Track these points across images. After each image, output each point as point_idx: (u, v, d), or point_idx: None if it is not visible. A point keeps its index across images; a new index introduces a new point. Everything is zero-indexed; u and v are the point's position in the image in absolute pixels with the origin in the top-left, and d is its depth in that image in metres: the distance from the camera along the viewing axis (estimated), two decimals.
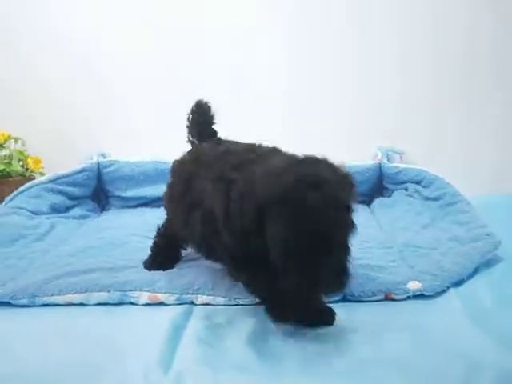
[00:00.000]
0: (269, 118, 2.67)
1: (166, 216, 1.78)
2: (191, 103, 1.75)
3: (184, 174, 1.61)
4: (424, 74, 2.70)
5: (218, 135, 1.73)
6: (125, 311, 1.52)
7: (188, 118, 1.74)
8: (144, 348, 1.27)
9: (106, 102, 2.79)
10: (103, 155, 2.55)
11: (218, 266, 1.58)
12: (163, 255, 1.73)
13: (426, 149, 2.67)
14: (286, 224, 1.10)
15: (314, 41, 2.69)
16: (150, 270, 1.68)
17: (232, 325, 1.39)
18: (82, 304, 1.56)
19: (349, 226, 1.16)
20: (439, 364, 1.14)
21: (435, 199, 2.17)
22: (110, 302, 1.55)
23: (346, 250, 1.16)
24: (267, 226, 1.15)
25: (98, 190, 2.53)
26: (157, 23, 2.72)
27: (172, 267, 1.70)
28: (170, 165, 2.37)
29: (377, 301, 1.48)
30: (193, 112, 1.73)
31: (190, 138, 1.74)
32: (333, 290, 1.18)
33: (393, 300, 1.48)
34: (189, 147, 1.76)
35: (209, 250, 1.51)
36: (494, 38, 2.64)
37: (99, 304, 1.55)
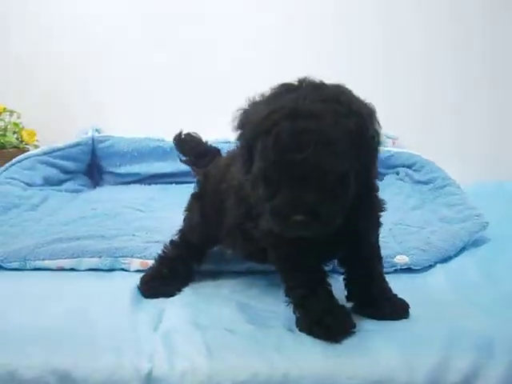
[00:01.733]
0: None
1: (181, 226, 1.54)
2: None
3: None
4: (416, 60, 2.72)
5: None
6: (115, 277, 1.54)
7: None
8: (133, 309, 1.31)
9: (104, 76, 2.79)
10: (98, 130, 2.55)
11: None
12: (170, 273, 1.46)
13: (418, 134, 2.68)
14: (260, 154, 1.05)
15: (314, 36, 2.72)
16: (148, 296, 1.41)
17: (220, 290, 1.42)
18: (72, 269, 1.57)
19: (327, 166, 1.02)
20: (424, 330, 1.17)
21: (426, 183, 2.19)
22: (101, 267, 1.57)
23: (325, 190, 1.04)
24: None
25: (91, 165, 2.54)
26: None
27: (180, 290, 1.43)
28: (164, 142, 2.42)
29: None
30: (180, 147, 1.64)
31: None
32: (298, 228, 1.06)
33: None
34: None
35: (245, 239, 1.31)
36: (483, 25, 2.67)
37: (90, 270, 1.57)
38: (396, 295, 1.25)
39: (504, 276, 1.46)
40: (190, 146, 1.62)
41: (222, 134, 2.38)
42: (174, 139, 1.63)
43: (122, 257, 1.58)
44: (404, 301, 1.24)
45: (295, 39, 2.74)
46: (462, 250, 1.65)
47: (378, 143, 1.12)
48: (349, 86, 1.12)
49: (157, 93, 2.77)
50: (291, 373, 1.06)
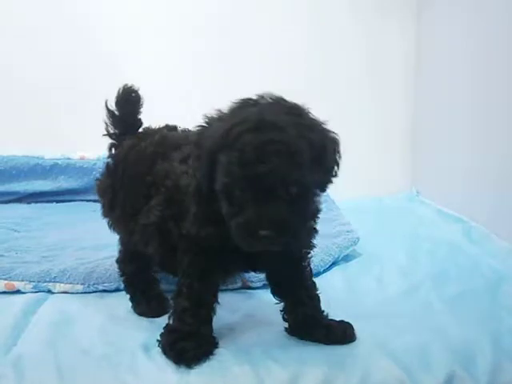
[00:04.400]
0: None
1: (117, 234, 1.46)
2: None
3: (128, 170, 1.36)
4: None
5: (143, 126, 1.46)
6: None
7: (109, 105, 1.43)
8: None
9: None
10: None
11: None
12: (146, 291, 1.42)
13: None
14: (224, 169, 1.02)
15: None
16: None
17: (85, 311, 1.39)
18: None
19: (292, 176, 1.01)
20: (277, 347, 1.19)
21: None
22: None
23: (290, 203, 1.03)
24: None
25: None
26: None
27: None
28: (44, 160, 2.36)
29: (235, 289, 1.51)
30: (120, 100, 1.42)
31: (111, 130, 1.44)
32: (266, 243, 1.04)
33: (249, 288, 1.52)
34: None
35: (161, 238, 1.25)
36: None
37: None
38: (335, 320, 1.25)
39: (366, 291, 1.52)
40: (131, 109, 1.44)
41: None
42: (123, 92, 1.42)
43: None
44: (347, 323, 1.24)
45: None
46: (333, 264, 1.70)
47: (336, 171, 1.11)
48: None
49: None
50: None
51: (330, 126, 1.10)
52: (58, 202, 2.38)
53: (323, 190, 1.13)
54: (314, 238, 1.23)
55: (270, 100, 1.09)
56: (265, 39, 2.67)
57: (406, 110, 2.80)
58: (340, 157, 1.11)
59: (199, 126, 1.13)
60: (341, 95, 2.72)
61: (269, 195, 1.01)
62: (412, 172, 2.72)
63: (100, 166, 2.30)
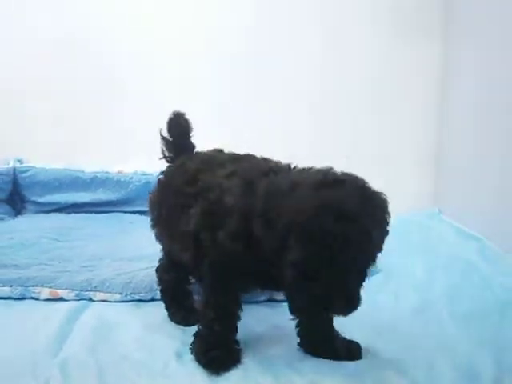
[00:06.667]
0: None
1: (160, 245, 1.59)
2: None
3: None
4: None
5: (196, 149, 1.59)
6: (25, 305, 1.62)
7: (162, 132, 1.56)
8: (36, 337, 1.39)
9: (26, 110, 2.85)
10: (20, 161, 2.60)
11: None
12: (181, 300, 1.55)
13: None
14: (302, 248, 1.10)
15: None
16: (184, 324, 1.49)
17: (122, 318, 1.52)
18: None
19: (366, 252, 1.14)
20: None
21: None
22: (12, 296, 1.64)
23: (361, 276, 1.17)
24: (289, 249, 1.12)
25: (13, 195, 2.58)
26: None
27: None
28: (84, 173, 2.51)
29: (262, 301, 1.61)
30: (170, 125, 1.55)
31: (166, 154, 1.57)
32: (343, 313, 1.17)
33: (275, 301, 1.62)
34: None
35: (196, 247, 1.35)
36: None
37: (1, 298, 1.64)
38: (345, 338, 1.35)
39: (382, 307, 1.62)
40: (181, 132, 1.57)
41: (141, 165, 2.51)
42: (172, 118, 1.56)
43: (33, 286, 1.65)
44: (356, 342, 1.34)
45: None
46: None
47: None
48: None
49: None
50: None
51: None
52: (96, 212, 2.50)
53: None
54: None
55: (352, 183, 1.17)
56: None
57: (432, 128, 2.88)
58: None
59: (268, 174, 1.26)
60: (366, 110, 2.83)
61: (344, 272, 1.11)
62: (435, 191, 2.80)
63: (136, 180, 2.47)
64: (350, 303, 1.13)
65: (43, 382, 1.19)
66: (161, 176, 1.56)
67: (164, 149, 1.58)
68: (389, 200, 1.20)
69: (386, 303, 1.65)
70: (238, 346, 1.31)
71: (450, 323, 1.49)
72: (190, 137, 1.58)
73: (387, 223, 1.19)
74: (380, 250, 1.18)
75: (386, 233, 1.19)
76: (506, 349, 1.33)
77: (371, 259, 1.17)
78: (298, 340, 1.35)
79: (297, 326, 1.35)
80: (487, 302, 1.61)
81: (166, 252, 1.57)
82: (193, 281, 1.55)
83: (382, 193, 1.20)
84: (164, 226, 1.51)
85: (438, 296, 1.66)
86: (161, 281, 1.57)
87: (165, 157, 1.58)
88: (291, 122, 2.80)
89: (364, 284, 1.18)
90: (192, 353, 1.30)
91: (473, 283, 1.75)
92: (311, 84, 2.83)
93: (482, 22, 2.43)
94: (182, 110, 1.56)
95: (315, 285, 1.11)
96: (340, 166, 1.21)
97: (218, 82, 2.79)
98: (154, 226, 1.56)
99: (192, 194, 1.37)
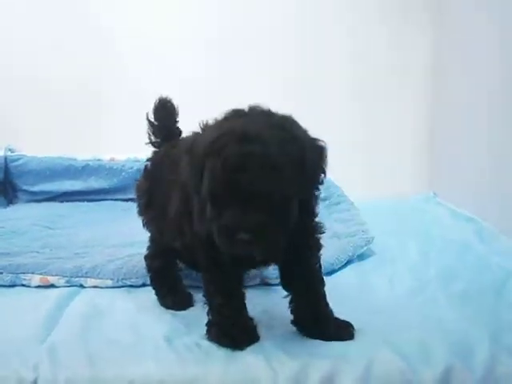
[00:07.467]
0: None
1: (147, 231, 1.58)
2: None
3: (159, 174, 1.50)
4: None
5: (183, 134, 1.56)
6: (15, 292, 1.61)
7: (149, 117, 1.55)
8: (25, 323, 1.37)
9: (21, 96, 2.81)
10: (11, 150, 2.58)
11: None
12: (171, 286, 1.54)
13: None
14: (209, 174, 1.10)
15: None
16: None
17: (113, 304, 1.50)
18: None
19: (272, 189, 1.08)
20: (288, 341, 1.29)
21: (323, 199, 2.30)
22: (3, 283, 1.63)
23: (270, 211, 1.10)
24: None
25: (4, 184, 2.56)
26: None
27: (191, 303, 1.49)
28: (76, 161, 2.49)
29: (255, 285, 1.60)
30: (156, 109, 1.55)
31: (153, 139, 1.56)
32: (243, 246, 1.12)
33: (268, 284, 1.61)
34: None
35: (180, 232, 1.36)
36: None
37: None
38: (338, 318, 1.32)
39: (377, 288, 1.60)
40: (168, 118, 1.56)
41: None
42: (158, 103, 1.55)
43: (23, 273, 1.64)
44: (348, 322, 1.31)
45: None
46: (348, 262, 1.78)
47: (321, 177, 1.19)
48: None
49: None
50: (166, 379, 1.16)
51: (316, 135, 1.19)
52: (88, 201, 2.48)
53: (307, 196, 1.23)
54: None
55: (258, 112, 1.18)
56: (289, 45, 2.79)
57: (425, 112, 2.87)
58: (325, 164, 1.18)
59: (194, 133, 1.25)
60: (362, 98, 2.81)
61: (249, 203, 1.09)
62: (430, 174, 2.79)
63: (129, 167, 2.45)
64: (253, 233, 1.09)
65: (32, 367, 1.18)
66: (147, 163, 1.55)
67: (150, 133, 1.56)
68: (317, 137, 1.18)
69: (381, 285, 1.63)
70: (253, 322, 1.30)
71: (445, 304, 1.47)
72: (176, 122, 1.57)
73: (308, 160, 1.13)
74: (295, 188, 1.12)
75: (309, 171, 1.14)
76: (501, 328, 1.31)
77: (280, 194, 1.10)
78: (292, 318, 1.33)
79: (290, 303, 1.33)
80: (483, 282, 1.60)
81: (154, 239, 1.56)
82: (181, 265, 1.55)
83: (303, 128, 1.18)
84: (152, 214, 1.50)
85: (434, 277, 1.64)
86: (150, 268, 1.56)
87: (151, 142, 1.57)
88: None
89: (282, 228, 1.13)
90: (210, 341, 1.27)
91: (469, 264, 1.73)
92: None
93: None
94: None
95: (220, 214, 1.11)
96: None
97: (206, 66, 2.87)
98: (140, 213, 1.55)
99: (175, 181, 1.36)
